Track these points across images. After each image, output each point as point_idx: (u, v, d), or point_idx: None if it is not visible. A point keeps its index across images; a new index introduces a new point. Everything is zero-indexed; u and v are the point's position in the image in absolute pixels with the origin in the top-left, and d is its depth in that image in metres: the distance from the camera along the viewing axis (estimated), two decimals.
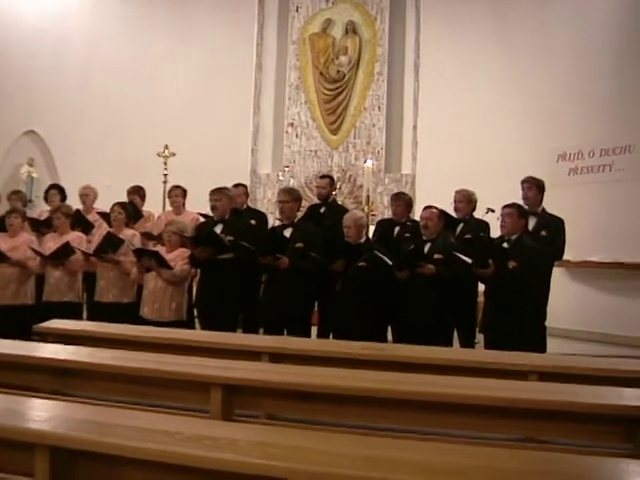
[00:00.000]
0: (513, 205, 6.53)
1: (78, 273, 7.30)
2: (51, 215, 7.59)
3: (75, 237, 7.30)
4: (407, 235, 7.33)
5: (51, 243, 7.25)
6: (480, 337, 6.97)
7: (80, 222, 7.68)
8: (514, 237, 6.40)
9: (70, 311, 6.69)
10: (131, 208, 7.84)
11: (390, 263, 6.44)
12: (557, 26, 11.09)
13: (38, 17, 11.52)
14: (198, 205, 8.17)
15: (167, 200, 8.47)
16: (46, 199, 8.70)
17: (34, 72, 11.31)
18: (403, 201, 7.79)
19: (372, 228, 8.13)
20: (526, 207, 6.79)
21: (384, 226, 7.94)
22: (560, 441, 3.78)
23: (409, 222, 7.70)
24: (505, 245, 6.40)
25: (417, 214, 7.45)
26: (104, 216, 7.77)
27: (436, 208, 6.80)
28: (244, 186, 8.24)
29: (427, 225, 6.68)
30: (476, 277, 6.63)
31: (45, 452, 2.75)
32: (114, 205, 7.45)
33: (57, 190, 8.59)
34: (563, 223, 6.99)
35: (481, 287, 6.98)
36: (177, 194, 8.23)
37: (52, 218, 7.44)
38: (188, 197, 8.32)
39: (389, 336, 6.86)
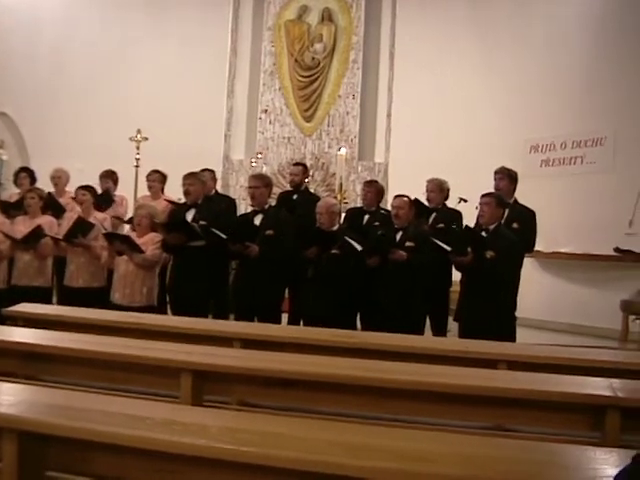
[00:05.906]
0: (492, 194, 6.54)
1: (48, 258, 7.21)
2: (23, 196, 7.46)
3: (46, 221, 7.17)
4: (376, 224, 7.35)
5: (21, 226, 7.10)
6: (454, 325, 6.99)
7: (51, 205, 7.59)
8: (492, 227, 6.41)
9: (39, 296, 6.57)
10: (101, 194, 7.77)
11: (360, 249, 6.45)
12: (533, 19, 11.15)
13: None
14: (169, 190, 8.13)
15: (145, 184, 8.31)
16: (16, 182, 8.56)
17: (6, 52, 11.15)
18: (375, 188, 7.82)
19: (343, 216, 8.14)
20: None
21: (354, 215, 7.95)
22: (529, 429, 3.81)
23: (382, 210, 7.72)
24: (483, 234, 6.42)
25: (389, 202, 7.46)
26: None
27: (407, 197, 6.82)
28: (212, 171, 8.16)
29: (398, 214, 6.70)
30: (453, 265, 6.67)
31: (13, 436, 2.72)
32: (77, 189, 7.37)
33: (27, 173, 8.44)
34: (534, 215, 7.02)
35: (457, 276, 7.00)
36: (155, 179, 8.13)
37: (24, 199, 7.31)
38: None
39: (359, 323, 6.88)
